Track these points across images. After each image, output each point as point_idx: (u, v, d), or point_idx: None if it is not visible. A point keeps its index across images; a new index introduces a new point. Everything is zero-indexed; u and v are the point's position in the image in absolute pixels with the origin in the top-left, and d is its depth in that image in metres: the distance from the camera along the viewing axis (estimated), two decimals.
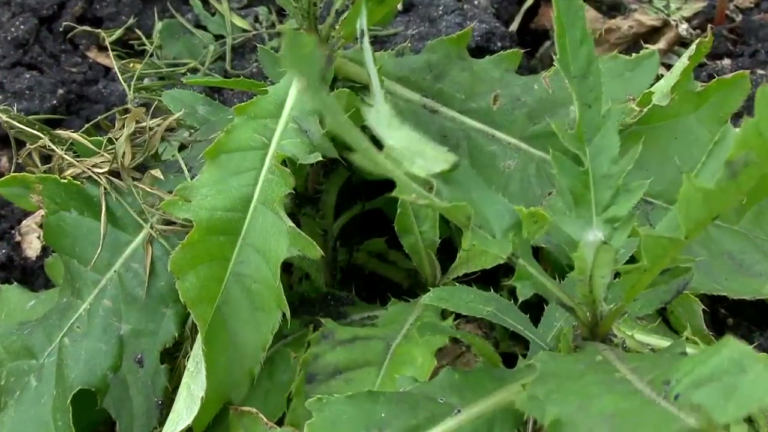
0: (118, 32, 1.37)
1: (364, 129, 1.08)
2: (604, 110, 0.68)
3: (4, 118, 1.01)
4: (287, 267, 1.14)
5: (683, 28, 1.35)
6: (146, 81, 1.28)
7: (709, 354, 0.52)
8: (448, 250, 1.09)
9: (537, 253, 0.94)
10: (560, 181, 0.67)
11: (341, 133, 0.56)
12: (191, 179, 0.98)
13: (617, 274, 0.68)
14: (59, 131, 1.04)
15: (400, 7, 1.36)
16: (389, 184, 1.24)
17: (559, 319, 0.89)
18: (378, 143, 1.10)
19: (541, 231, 0.64)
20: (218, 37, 1.42)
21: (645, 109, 0.98)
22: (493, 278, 1.12)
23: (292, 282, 1.19)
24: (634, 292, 0.67)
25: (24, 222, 1.22)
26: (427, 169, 0.59)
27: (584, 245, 0.62)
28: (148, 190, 0.97)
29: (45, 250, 1.19)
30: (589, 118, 0.67)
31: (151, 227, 0.96)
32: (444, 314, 0.98)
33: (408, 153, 0.59)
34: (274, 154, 0.93)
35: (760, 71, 1.27)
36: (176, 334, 0.95)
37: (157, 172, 0.98)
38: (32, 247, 1.19)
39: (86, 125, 1.18)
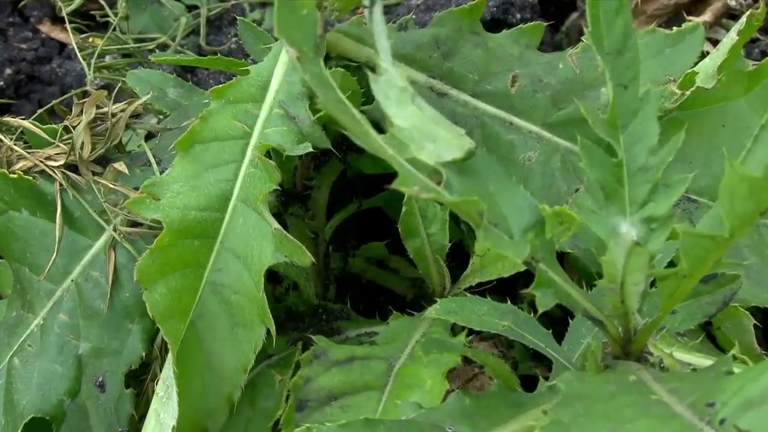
0: (77, 1, 1.38)
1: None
2: (641, 92, 0.68)
3: None
4: (272, 276, 1.15)
5: None
6: (108, 59, 1.29)
7: (759, 371, 0.52)
8: (458, 256, 1.10)
9: (562, 259, 0.95)
10: (589, 174, 0.67)
11: (336, 113, 0.57)
12: (160, 174, 0.99)
13: (654, 283, 0.69)
14: (7, 118, 1.06)
15: None
16: (390, 180, 1.25)
17: (586, 335, 0.91)
18: (379, 128, 1.11)
19: (568, 233, 0.64)
20: (191, 8, 1.43)
21: (688, 92, 0.99)
22: (510, 288, 1.13)
23: (277, 293, 1.20)
24: (673, 303, 0.67)
25: None
26: (437, 156, 0.59)
27: (614, 248, 0.63)
28: (111, 186, 0.98)
29: None
30: (625, 101, 0.68)
31: (114, 230, 0.97)
32: (454, 330, 0.99)
33: (416, 135, 0.59)
34: (257, 145, 0.94)
35: None
36: (143, 354, 0.96)
37: (120, 166, 0.99)
38: None
39: (38, 111, 1.19)
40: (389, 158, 0.59)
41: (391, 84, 0.61)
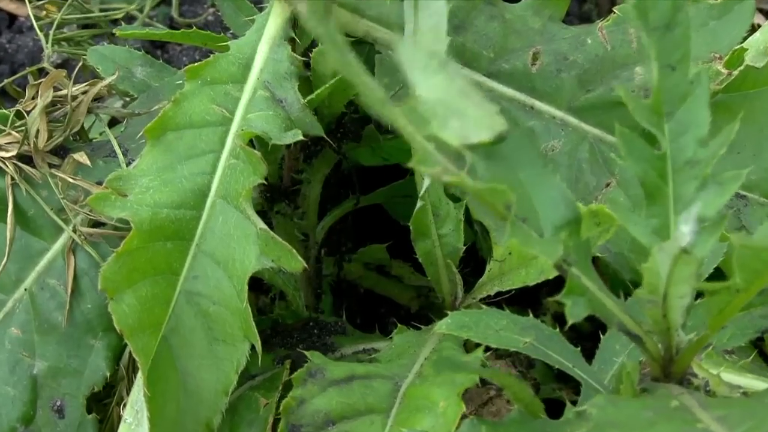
0: None
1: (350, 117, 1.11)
2: (691, 74, 0.68)
3: None
4: (255, 284, 1.16)
5: None
6: (67, 31, 1.29)
7: None
8: (471, 261, 1.10)
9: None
10: (628, 167, 0.67)
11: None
12: (127, 166, 0.99)
13: (699, 294, 0.69)
14: None
15: None
16: (392, 173, 1.25)
17: (620, 353, 0.91)
18: (378, 123, 1.11)
19: (606, 236, 0.65)
20: None
21: (735, 72, 0.99)
22: (532, 299, 1.13)
23: (261, 304, 1.21)
24: (723, 319, 0.67)
25: None
26: (462, 136, 0.59)
27: (657, 254, 0.62)
28: (70, 180, 0.98)
29: None
30: (672, 84, 0.67)
31: (74, 230, 0.97)
32: (467, 347, 0.99)
33: (441, 109, 0.59)
34: (239, 132, 0.94)
35: None
36: (108, 374, 0.96)
37: (81, 157, 0.99)
38: None
39: None
40: (407, 134, 0.59)
41: (419, 47, 0.61)
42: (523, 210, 0.64)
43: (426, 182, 0.94)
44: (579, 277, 0.65)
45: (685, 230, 0.64)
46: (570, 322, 0.66)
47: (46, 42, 1.16)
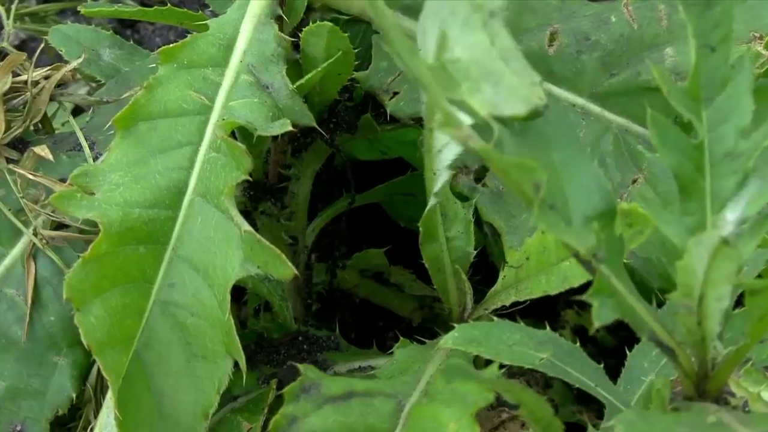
0: None
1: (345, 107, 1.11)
2: (733, 57, 0.68)
3: None
4: (238, 293, 1.16)
5: None
6: (30, 5, 1.29)
7: None
8: (481, 268, 1.11)
9: None
10: (661, 158, 0.67)
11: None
12: (94, 160, 0.99)
13: (737, 304, 0.69)
14: None
15: None
16: (392, 168, 1.25)
17: (648, 371, 0.91)
18: (376, 102, 1.11)
19: (639, 239, 0.65)
20: None
21: None
22: (549, 311, 1.14)
23: (243, 316, 1.21)
24: (765, 327, 0.68)
25: None
26: (493, 106, 0.59)
27: (694, 248, 0.62)
28: (30, 176, 0.98)
29: None
30: (712, 67, 0.67)
31: (35, 233, 0.97)
32: (476, 364, 0.99)
33: (475, 71, 0.59)
34: (219, 122, 0.95)
35: None
36: (73, 395, 0.96)
37: (43, 150, 1.00)
38: None
39: None
40: (430, 92, 0.58)
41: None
42: (552, 195, 0.63)
43: (442, 178, 0.94)
44: (609, 277, 0.65)
45: (729, 218, 0.64)
46: (595, 326, 0.66)
47: (7, 17, 1.15)
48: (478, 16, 0.60)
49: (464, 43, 0.60)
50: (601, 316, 0.65)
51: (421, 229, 1.02)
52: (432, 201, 0.99)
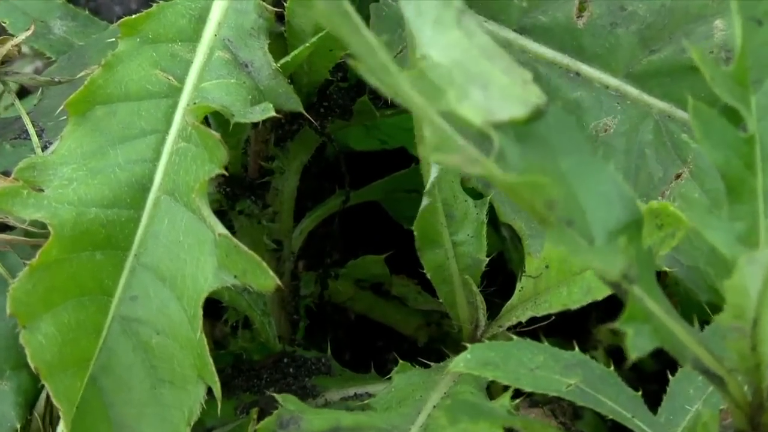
0: None
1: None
2: None
3: None
4: (212, 308, 1.16)
5: None
6: None
7: None
8: (497, 277, 1.11)
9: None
10: (705, 153, 0.67)
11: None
12: (43, 150, 0.99)
13: None
14: None
15: None
16: (392, 160, 1.25)
17: (694, 399, 0.91)
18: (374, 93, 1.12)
19: (671, 242, 0.65)
20: None
21: None
22: (578, 327, 1.14)
23: (220, 334, 1.21)
24: None
25: None
26: (487, 111, 0.59)
27: (745, 266, 0.62)
28: None
29: None
30: (759, 43, 0.67)
31: None
32: (491, 392, 1.00)
33: (459, 76, 0.59)
34: (190, 106, 0.95)
35: None
36: (18, 426, 0.96)
37: None
38: None
39: None
40: (416, 108, 0.59)
41: None
42: (567, 209, 0.63)
43: (434, 171, 0.94)
44: (642, 299, 0.65)
45: None
46: (632, 358, 0.66)
47: None
48: (449, 13, 0.60)
49: (440, 45, 0.60)
50: (637, 346, 0.65)
51: (416, 233, 1.02)
52: (424, 201, 0.99)
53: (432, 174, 0.96)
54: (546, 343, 0.86)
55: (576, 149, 0.64)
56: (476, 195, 1.02)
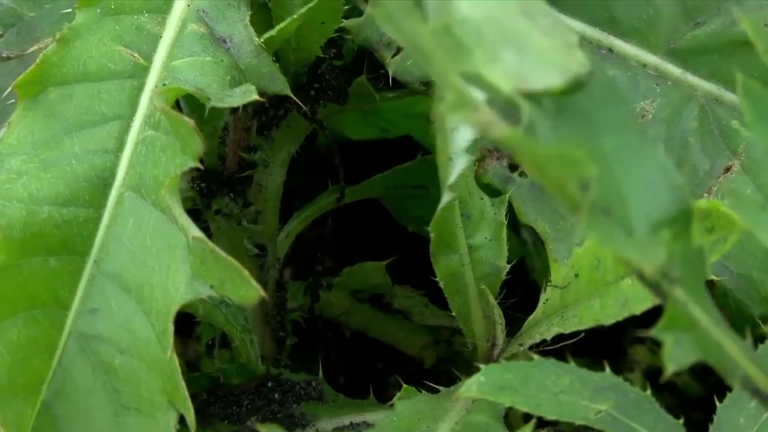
0: None
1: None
2: None
3: None
4: (185, 323, 1.17)
5: None
6: None
7: None
8: (518, 289, 1.11)
9: None
10: (757, 141, 0.68)
11: None
12: None
13: None
14: None
15: None
16: (394, 151, 1.26)
17: (746, 429, 0.91)
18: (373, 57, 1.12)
19: (723, 248, 0.65)
20: None
21: None
22: (611, 346, 1.14)
23: (194, 354, 1.22)
24: None
25: None
26: (520, 78, 0.58)
27: None
28: None
29: None
30: None
31: None
32: (510, 420, 1.00)
33: (491, 34, 0.58)
34: (159, 89, 0.95)
35: None
36: None
37: None
38: None
39: None
40: (437, 67, 0.59)
41: None
42: (605, 195, 0.62)
43: (459, 165, 0.93)
44: (685, 304, 0.65)
45: None
46: (669, 370, 0.66)
47: None
48: None
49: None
50: (676, 358, 0.65)
51: (432, 235, 1.02)
52: (446, 196, 0.98)
53: (456, 166, 0.94)
54: (573, 364, 0.86)
55: (623, 126, 0.64)
56: (494, 192, 1.02)
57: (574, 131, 0.63)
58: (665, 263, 0.63)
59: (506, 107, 0.60)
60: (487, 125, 0.57)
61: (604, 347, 1.07)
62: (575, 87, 0.60)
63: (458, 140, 0.86)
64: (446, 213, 1.01)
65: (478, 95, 0.59)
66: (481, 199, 1.02)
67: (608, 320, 0.97)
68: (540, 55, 0.59)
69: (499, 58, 0.59)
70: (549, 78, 0.59)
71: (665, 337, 0.65)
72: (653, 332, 0.65)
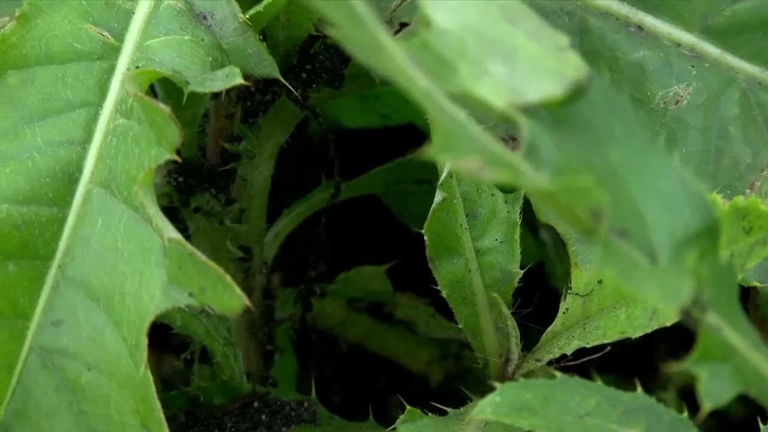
0: None
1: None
2: None
3: None
4: (161, 335, 1.17)
5: None
6: None
7: None
8: (535, 296, 1.11)
9: (743, 299, 0.96)
10: None
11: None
12: None
13: None
14: None
15: None
16: (396, 141, 1.26)
17: None
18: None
19: (763, 251, 0.65)
20: None
21: None
22: (641, 361, 1.14)
23: (170, 370, 1.22)
24: None
25: None
26: (512, 91, 0.58)
27: None
28: None
29: None
30: None
31: None
32: None
33: (474, 46, 0.58)
34: (132, 72, 0.95)
35: None
36: None
37: None
38: None
39: None
40: (418, 92, 0.59)
41: None
42: (620, 215, 0.62)
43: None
44: (720, 331, 0.65)
45: None
46: (705, 408, 0.66)
47: None
48: None
49: (448, 7, 0.60)
50: (713, 393, 0.65)
51: (427, 238, 1.03)
52: (439, 194, 0.98)
53: (449, 165, 0.95)
54: (599, 382, 0.86)
55: (629, 135, 0.64)
56: (508, 188, 1.02)
57: (579, 144, 0.63)
58: (694, 292, 0.63)
59: (501, 126, 0.60)
60: (478, 172, 0.57)
61: (634, 363, 1.07)
62: (575, 94, 0.60)
63: None
64: (441, 213, 1.02)
65: (471, 128, 0.59)
66: (492, 195, 1.02)
67: (635, 332, 0.97)
68: (531, 62, 0.60)
69: (487, 72, 0.59)
70: (545, 87, 0.60)
71: (700, 371, 0.65)
72: (686, 365, 0.65)
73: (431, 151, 0.57)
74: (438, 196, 1.01)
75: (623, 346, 1.01)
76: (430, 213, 1.02)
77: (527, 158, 0.61)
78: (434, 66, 0.59)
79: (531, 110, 0.61)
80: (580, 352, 1.02)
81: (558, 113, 0.63)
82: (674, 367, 1.10)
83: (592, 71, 0.61)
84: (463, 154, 0.58)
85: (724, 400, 0.67)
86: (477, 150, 0.58)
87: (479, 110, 0.60)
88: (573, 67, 0.60)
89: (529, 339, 1.05)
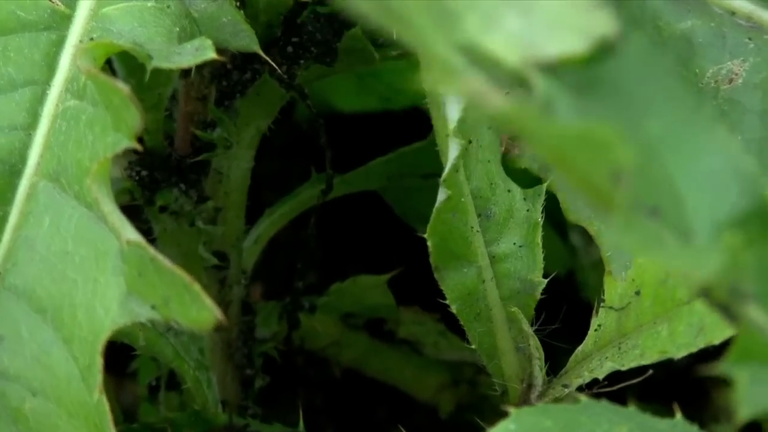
0: None
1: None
2: None
3: None
4: (120, 356, 1.17)
5: None
6: None
7: None
8: (561, 310, 1.12)
9: None
10: None
11: None
12: None
13: None
14: None
15: None
16: (399, 128, 1.27)
17: None
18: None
19: None
20: None
21: None
22: (685, 385, 1.15)
23: (130, 398, 1.22)
24: None
25: None
26: (527, 46, 0.59)
27: None
28: None
29: None
30: None
31: None
32: None
33: None
34: (85, 44, 0.96)
35: None
36: None
37: None
38: None
39: None
40: (420, 40, 0.59)
41: None
42: (652, 192, 0.63)
43: (453, 147, 0.93)
44: (763, 327, 0.65)
45: None
46: (740, 417, 0.66)
47: None
48: None
49: None
50: (752, 399, 0.65)
51: (430, 243, 1.03)
52: (442, 192, 0.98)
53: (451, 151, 0.95)
54: (633, 408, 0.86)
55: (671, 104, 0.64)
56: (528, 182, 1.03)
57: (608, 112, 0.63)
58: (732, 276, 0.63)
59: (513, 83, 0.60)
60: (479, 96, 0.57)
61: (673, 386, 1.07)
62: (602, 53, 0.60)
63: (453, 114, 0.87)
64: (448, 213, 1.02)
65: (478, 77, 0.59)
66: (509, 191, 1.02)
67: (679, 352, 0.97)
68: (551, 15, 0.60)
69: (501, 24, 0.59)
70: (566, 42, 0.60)
71: (737, 373, 0.65)
72: (722, 367, 0.65)
73: (426, 81, 0.58)
74: (441, 194, 1.00)
75: (667, 368, 1.01)
76: (433, 214, 1.02)
77: (544, 114, 0.61)
78: (443, 16, 0.60)
79: (549, 70, 0.61)
80: (616, 377, 1.02)
81: (583, 76, 0.62)
82: (704, 371, 1.11)
83: (627, 30, 0.61)
84: (463, 82, 0.58)
85: (764, 407, 0.67)
86: (481, 88, 0.57)
87: (487, 68, 0.60)
88: (600, 23, 0.60)
89: (555, 361, 1.06)
